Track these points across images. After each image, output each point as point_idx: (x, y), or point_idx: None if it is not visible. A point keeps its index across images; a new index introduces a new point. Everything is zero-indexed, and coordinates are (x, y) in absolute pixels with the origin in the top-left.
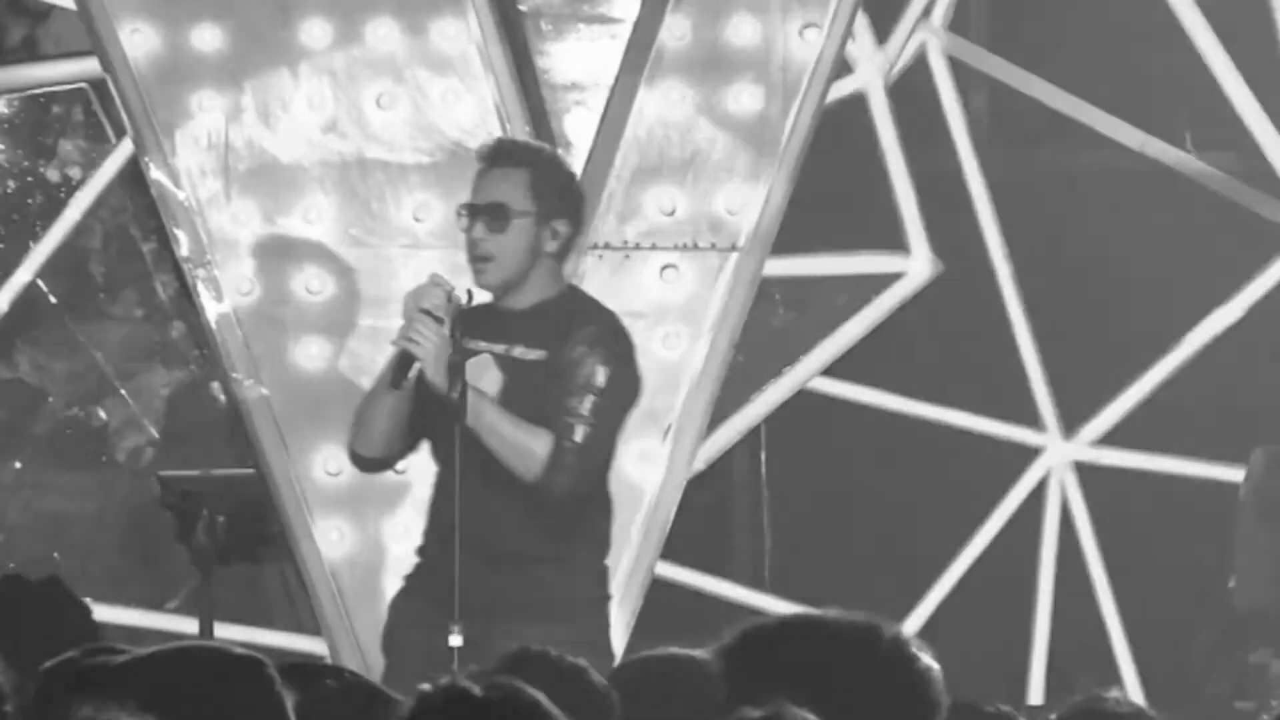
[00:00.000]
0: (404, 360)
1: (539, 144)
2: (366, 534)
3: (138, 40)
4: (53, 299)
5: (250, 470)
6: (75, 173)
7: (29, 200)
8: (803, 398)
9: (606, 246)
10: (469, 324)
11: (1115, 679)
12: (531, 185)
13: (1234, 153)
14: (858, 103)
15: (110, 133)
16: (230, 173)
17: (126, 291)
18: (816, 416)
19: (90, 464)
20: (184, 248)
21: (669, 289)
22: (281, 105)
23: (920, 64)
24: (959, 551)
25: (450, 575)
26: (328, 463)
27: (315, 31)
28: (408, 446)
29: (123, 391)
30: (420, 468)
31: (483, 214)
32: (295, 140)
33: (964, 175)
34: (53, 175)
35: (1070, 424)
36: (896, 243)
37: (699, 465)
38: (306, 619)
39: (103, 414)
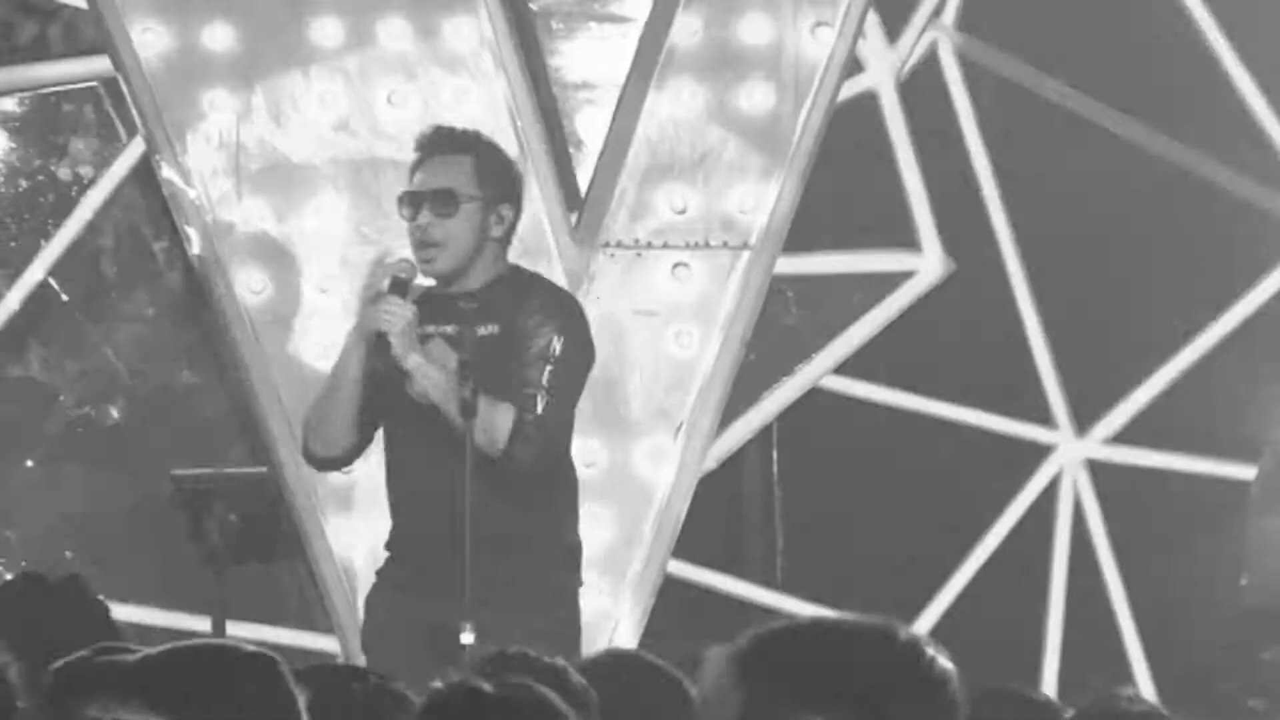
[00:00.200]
0: (381, 343)
1: (476, 130)
2: (377, 531)
3: (149, 39)
4: (64, 297)
5: (262, 469)
6: (87, 171)
7: (40, 199)
8: (815, 396)
9: (618, 245)
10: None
11: (1127, 677)
12: (476, 171)
13: (1245, 150)
14: (869, 101)
15: (122, 131)
16: (242, 171)
17: (138, 290)
18: (828, 415)
19: (102, 462)
20: (195, 246)
21: (681, 287)
22: (293, 104)
23: (931, 62)
24: (971, 550)
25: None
26: None
27: (327, 30)
28: (366, 439)
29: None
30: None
31: (429, 200)
32: (307, 139)
33: (975, 173)
34: (64, 174)
35: (1082, 422)
36: (908, 241)
37: (711, 463)
38: (319, 617)
39: (114, 413)
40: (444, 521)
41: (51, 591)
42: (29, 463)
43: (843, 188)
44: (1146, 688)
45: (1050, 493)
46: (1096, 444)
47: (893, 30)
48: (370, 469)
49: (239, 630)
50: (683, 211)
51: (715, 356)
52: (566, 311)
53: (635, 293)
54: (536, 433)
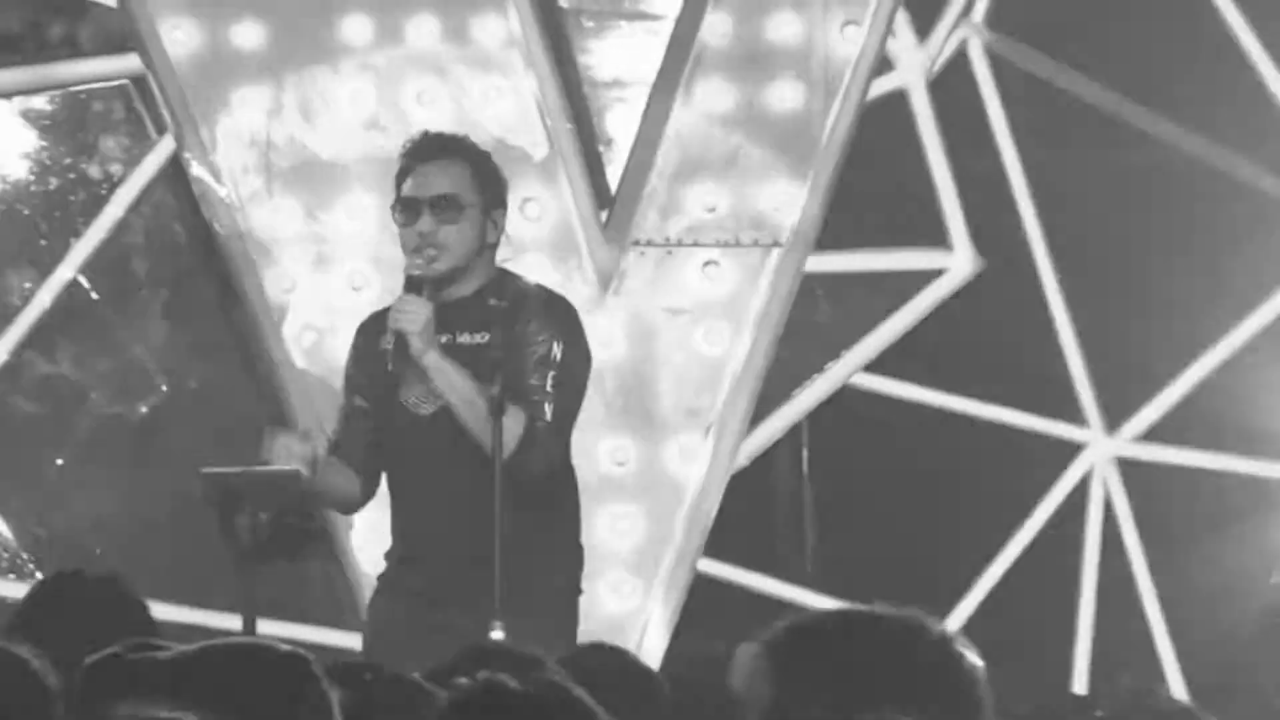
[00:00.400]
0: (399, 341)
1: (465, 136)
2: None
3: (179, 37)
4: (94, 295)
5: (293, 468)
6: (117, 169)
7: (70, 197)
8: (845, 394)
9: (649, 243)
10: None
11: (1158, 674)
12: (473, 177)
13: (1275, 148)
14: (899, 99)
15: (151, 129)
16: (272, 169)
17: (168, 288)
18: (858, 412)
19: (132, 460)
20: (225, 244)
21: (711, 285)
22: (322, 102)
23: (961, 60)
24: (1002, 547)
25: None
26: None
27: (356, 28)
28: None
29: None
30: None
31: (430, 206)
32: (336, 136)
33: (1005, 171)
34: (94, 172)
35: (1113, 420)
36: (938, 239)
37: (741, 461)
38: (347, 614)
39: (144, 411)
40: (444, 528)
41: (90, 589)
42: (59, 461)
43: (873, 186)
44: (1177, 685)
45: (1081, 490)
46: (1127, 442)
47: (922, 28)
48: None
49: (268, 628)
50: (713, 210)
51: (745, 354)
52: (562, 316)
53: (665, 291)
54: (547, 438)
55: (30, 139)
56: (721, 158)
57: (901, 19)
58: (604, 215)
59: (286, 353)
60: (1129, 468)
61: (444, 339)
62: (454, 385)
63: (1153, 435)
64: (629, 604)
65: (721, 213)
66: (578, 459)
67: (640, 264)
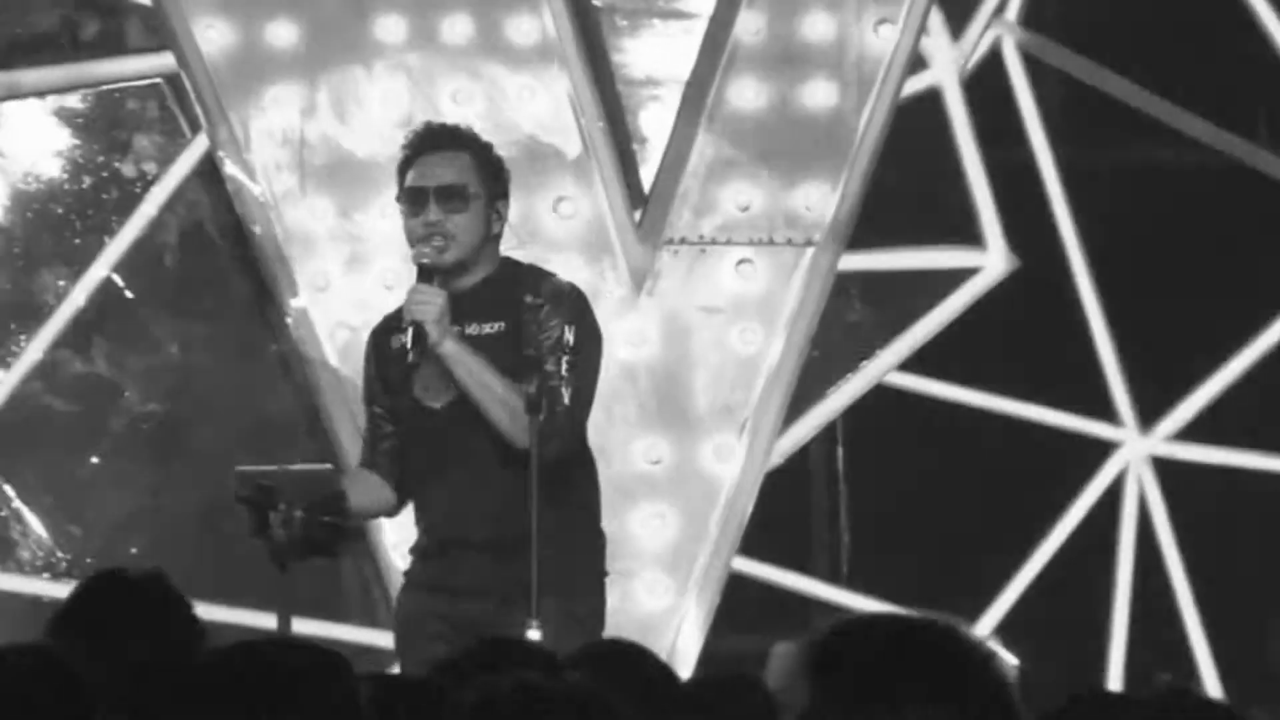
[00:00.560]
0: (416, 331)
1: (468, 127)
2: None
3: (212, 35)
4: (129, 294)
5: (327, 466)
6: (151, 168)
7: (104, 196)
8: (879, 392)
9: (682, 241)
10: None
11: (1193, 673)
12: (478, 168)
13: None
14: (932, 98)
15: (185, 128)
16: (305, 168)
17: (202, 286)
18: (893, 411)
19: (166, 459)
20: (259, 242)
21: (745, 284)
22: (356, 101)
23: (994, 59)
24: (1037, 546)
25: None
26: None
27: (390, 27)
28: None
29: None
30: None
31: (436, 195)
32: (370, 135)
33: (1039, 170)
34: (128, 171)
35: (1147, 418)
36: (972, 238)
37: (776, 460)
38: (382, 613)
39: (179, 409)
40: (461, 519)
41: (134, 588)
42: (94, 459)
43: (906, 184)
44: (1212, 683)
45: (1115, 489)
46: (1161, 441)
47: (956, 27)
48: None
49: (303, 627)
50: (747, 208)
51: (779, 353)
52: (571, 301)
53: (699, 289)
54: (565, 424)
55: (64, 137)
56: (755, 156)
57: (935, 17)
58: (638, 214)
59: (320, 351)
60: (1164, 466)
61: (454, 330)
62: (472, 373)
63: (1187, 434)
64: (663, 603)
65: (755, 211)
66: (613, 457)
67: (674, 263)
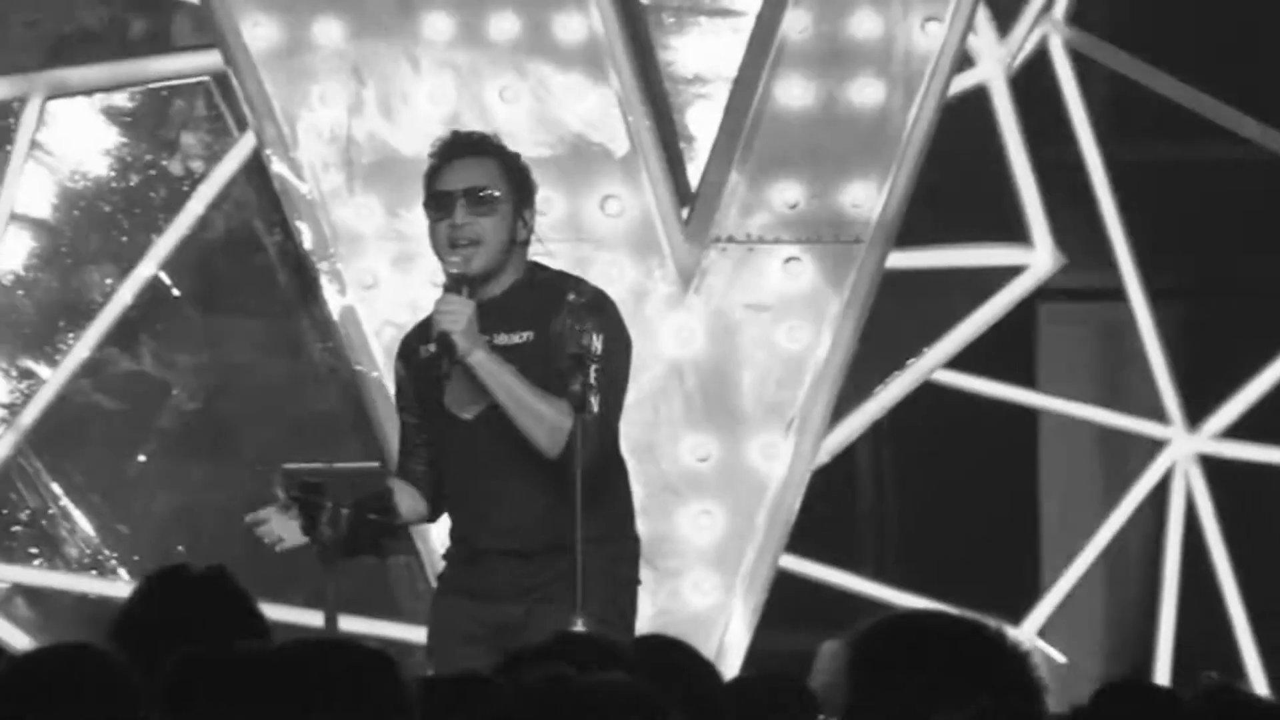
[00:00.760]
0: (444, 341)
1: (495, 135)
2: None
3: (260, 33)
4: (176, 292)
5: (374, 463)
6: (198, 166)
7: (152, 194)
8: (926, 390)
9: (730, 240)
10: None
11: (1240, 671)
12: (504, 174)
13: None
14: (979, 96)
15: (233, 126)
16: (353, 166)
17: (249, 284)
18: (939, 409)
19: (213, 457)
20: (307, 240)
21: (792, 282)
22: (403, 99)
23: (1041, 57)
24: (1084, 544)
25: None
26: None
27: (437, 25)
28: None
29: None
30: None
31: (465, 198)
32: (417, 133)
33: (1086, 167)
34: (175, 169)
35: (1195, 417)
36: (1019, 236)
37: (822, 457)
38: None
39: (226, 407)
40: (492, 528)
41: (196, 584)
42: (141, 457)
43: (954, 182)
44: (1259, 682)
45: (1163, 487)
46: (1209, 439)
47: (1003, 25)
48: None
49: (350, 625)
50: (794, 206)
51: (827, 351)
52: (600, 307)
53: (747, 288)
54: (596, 432)
55: (112, 136)
56: (802, 155)
57: (982, 15)
58: (685, 212)
59: (367, 349)
60: (1211, 464)
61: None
62: (502, 383)
63: (1235, 432)
64: (710, 600)
65: (802, 210)
66: (660, 454)
67: (721, 261)
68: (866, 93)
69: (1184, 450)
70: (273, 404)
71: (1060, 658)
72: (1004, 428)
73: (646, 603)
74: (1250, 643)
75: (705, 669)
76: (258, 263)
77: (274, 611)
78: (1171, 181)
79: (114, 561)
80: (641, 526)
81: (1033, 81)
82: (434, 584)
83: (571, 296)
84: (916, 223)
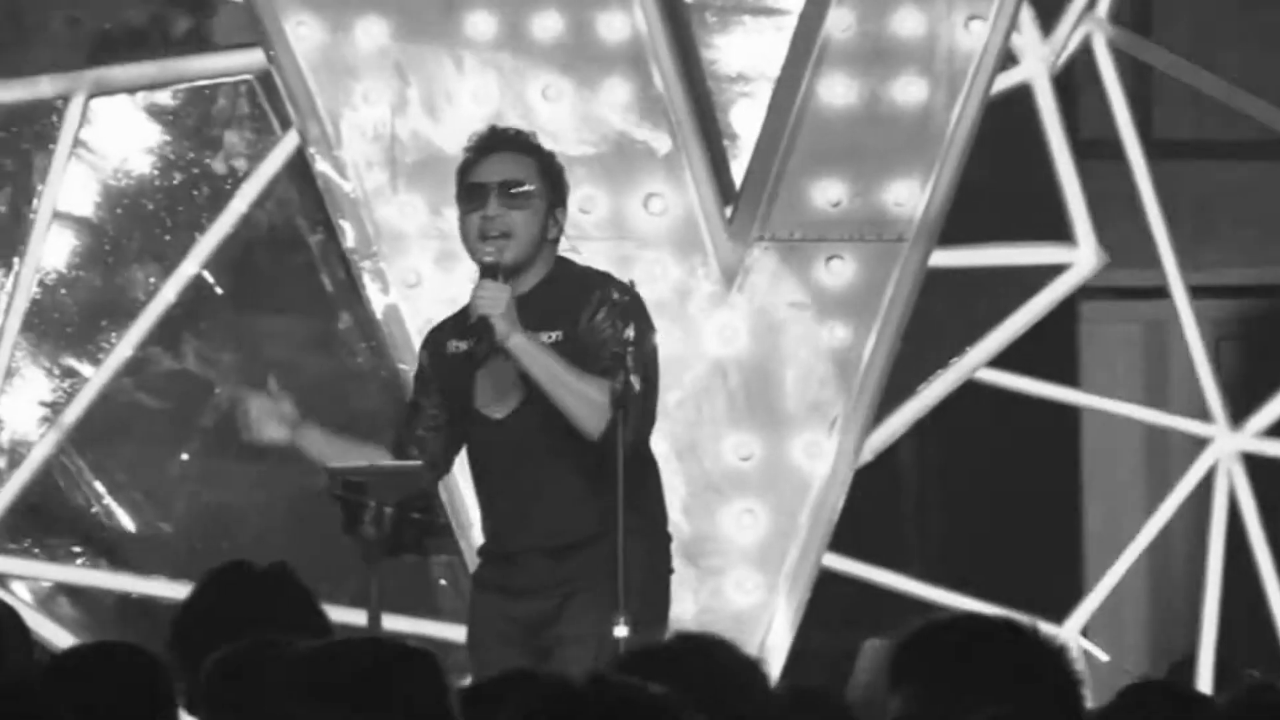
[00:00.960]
0: (483, 326)
1: (532, 133)
2: None
3: (303, 32)
4: (219, 291)
5: (417, 462)
6: (241, 165)
7: (195, 192)
8: (968, 388)
9: (773, 238)
10: (466, 322)
11: None
12: (540, 171)
13: None
14: (1023, 94)
15: (276, 125)
16: (396, 165)
17: (292, 283)
18: (982, 407)
19: (256, 455)
20: (350, 239)
21: (835, 280)
22: (447, 97)
23: (1085, 55)
24: (1127, 542)
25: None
26: None
27: (480, 24)
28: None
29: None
30: None
31: (499, 191)
32: (461, 132)
33: (1130, 166)
34: (218, 167)
35: (1238, 415)
36: (1062, 234)
37: (865, 456)
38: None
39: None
40: (523, 525)
41: (259, 579)
42: (183, 456)
43: (997, 180)
44: None
45: (1206, 485)
46: (1252, 437)
47: (1046, 23)
48: None
49: (393, 623)
50: (837, 205)
51: (870, 350)
52: (628, 299)
53: (790, 286)
54: (637, 410)
55: (155, 134)
56: (845, 153)
57: (1025, 13)
58: (728, 211)
59: (410, 347)
60: (1254, 463)
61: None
62: (543, 364)
63: (1278, 430)
64: (753, 599)
65: (845, 208)
66: (703, 453)
67: (764, 259)
68: (909, 91)
69: (1227, 448)
70: (315, 403)
71: (1103, 656)
72: (1047, 426)
73: (689, 601)
74: None
75: (748, 667)
76: (300, 261)
77: None
78: (1214, 179)
79: (156, 560)
80: (684, 525)
81: (1076, 79)
82: None
83: (616, 295)
84: (960, 220)
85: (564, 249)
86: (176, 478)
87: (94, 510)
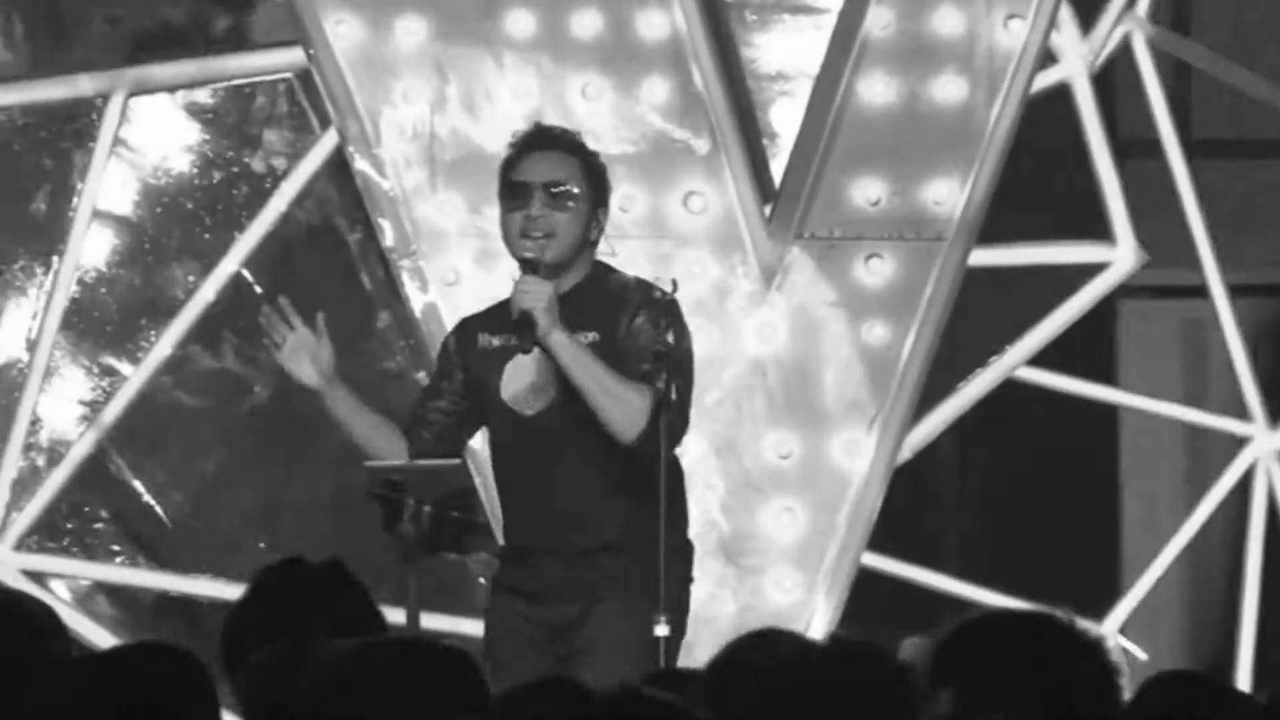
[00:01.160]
0: (524, 320)
1: (577, 133)
2: None
3: (343, 31)
4: (258, 289)
5: (456, 460)
6: (280, 163)
7: (234, 191)
8: (1007, 387)
9: (812, 236)
10: (506, 322)
11: None
12: (584, 172)
13: None
14: (1062, 93)
15: (315, 123)
16: (435, 163)
17: (331, 281)
18: (1022, 406)
19: (295, 453)
20: (389, 238)
21: (874, 279)
22: (486, 95)
23: (1125, 54)
24: (1166, 541)
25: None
26: None
27: (519, 22)
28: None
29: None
30: None
31: (543, 191)
32: (500, 130)
33: (1169, 165)
34: (258, 166)
35: (1277, 414)
36: (1101, 233)
37: (905, 455)
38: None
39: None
40: (548, 526)
41: (312, 576)
42: (223, 454)
43: (1036, 179)
44: None
45: (1245, 484)
46: None
47: (1086, 22)
48: None
49: (432, 622)
50: (876, 203)
51: (909, 348)
52: (666, 307)
53: (829, 285)
54: (675, 415)
55: (194, 132)
56: (885, 152)
57: (1065, 12)
58: (768, 209)
59: None
60: None
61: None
62: (582, 363)
63: None
64: (792, 598)
65: (885, 207)
66: (742, 451)
67: (804, 258)
68: (949, 90)
69: (1265, 447)
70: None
71: (1141, 654)
72: (1085, 425)
73: (729, 600)
74: None
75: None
76: (339, 260)
77: None
78: (1255, 178)
79: (195, 559)
80: (724, 523)
81: (1116, 78)
82: None
83: (658, 294)
84: (999, 219)
85: (602, 247)
86: (215, 476)
87: (132, 509)
